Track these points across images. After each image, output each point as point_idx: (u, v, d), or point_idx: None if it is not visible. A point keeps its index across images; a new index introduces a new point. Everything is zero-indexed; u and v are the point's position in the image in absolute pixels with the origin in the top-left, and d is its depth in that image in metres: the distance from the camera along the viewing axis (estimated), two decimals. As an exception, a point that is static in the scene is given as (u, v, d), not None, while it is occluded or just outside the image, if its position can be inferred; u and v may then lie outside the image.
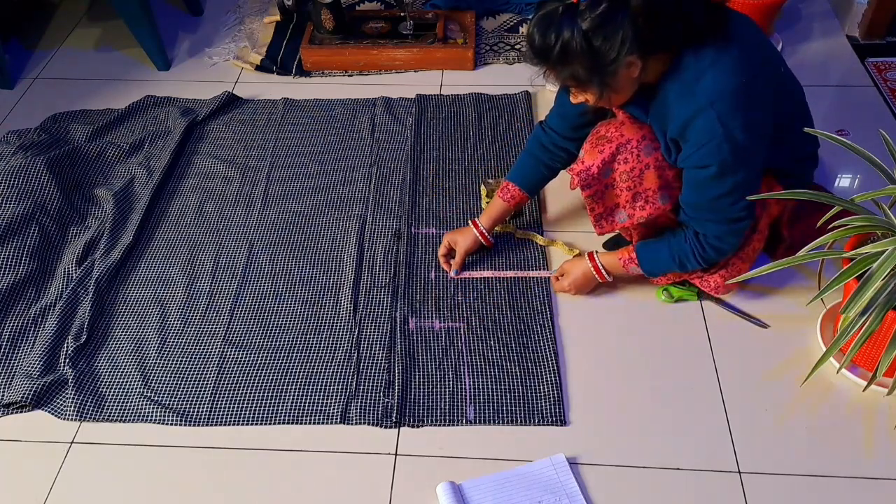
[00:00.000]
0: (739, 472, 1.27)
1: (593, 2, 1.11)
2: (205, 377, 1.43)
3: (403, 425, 1.35)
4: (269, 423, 1.36)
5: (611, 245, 1.63)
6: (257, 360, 1.46)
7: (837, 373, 1.38)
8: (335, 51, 2.21)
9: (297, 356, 1.47)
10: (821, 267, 1.41)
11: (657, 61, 1.20)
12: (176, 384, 1.42)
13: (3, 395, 1.41)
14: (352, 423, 1.36)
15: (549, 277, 1.58)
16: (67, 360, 1.44)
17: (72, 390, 1.40)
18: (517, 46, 2.30)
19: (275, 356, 1.47)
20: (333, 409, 1.37)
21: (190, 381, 1.43)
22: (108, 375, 1.44)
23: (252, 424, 1.36)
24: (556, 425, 1.34)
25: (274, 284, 1.61)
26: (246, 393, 1.41)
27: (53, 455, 1.33)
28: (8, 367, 1.46)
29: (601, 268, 1.48)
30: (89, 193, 1.82)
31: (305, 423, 1.36)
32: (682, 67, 1.20)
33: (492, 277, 1.59)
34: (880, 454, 1.28)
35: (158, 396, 1.40)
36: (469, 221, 1.61)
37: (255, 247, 1.69)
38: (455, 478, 1.26)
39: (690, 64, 1.19)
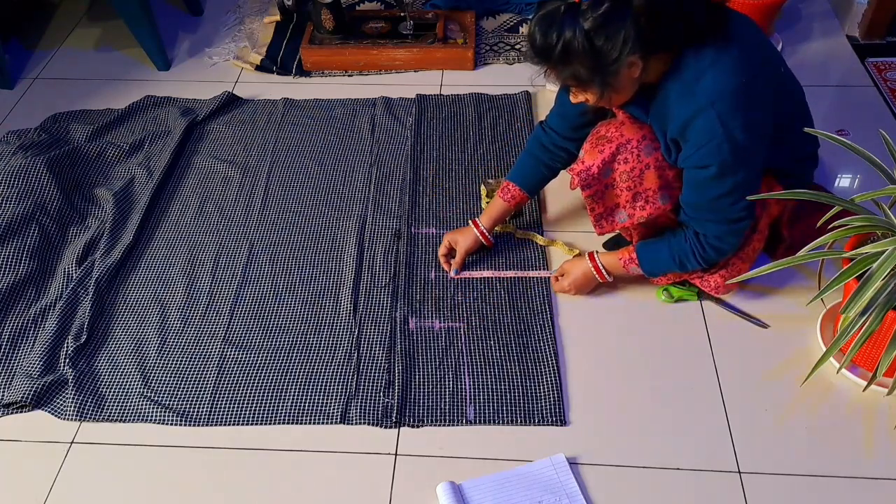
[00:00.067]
0: (739, 472, 1.27)
1: (595, 1, 1.11)
2: (205, 377, 1.43)
3: (403, 425, 1.35)
4: (269, 423, 1.37)
5: (611, 245, 1.63)
6: (257, 360, 1.46)
7: (837, 373, 1.38)
8: (335, 51, 2.21)
9: (297, 356, 1.47)
10: (821, 267, 1.41)
11: (658, 61, 1.20)
12: (176, 384, 1.42)
13: (3, 395, 1.41)
14: (352, 423, 1.36)
15: (549, 277, 1.58)
16: (67, 360, 1.44)
17: (72, 390, 1.40)
18: (517, 46, 2.30)
19: (275, 356, 1.47)
20: (333, 409, 1.37)
21: (190, 381, 1.43)
22: (108, 375, 1.44)
23: (252, 424, 1.36)
24: (556, 425, 1.34)
25: (274, 284, 1.61)
26: (246, 393, 1.41)
27: (53, 455, 1.33)
28: (8, 367, 1.46)
29: (601, 268, 1.48)
30: (89, 193, 1.82)
31: (305, 423, 1.36)
32: (683, 67, 1.20)
33: (492, 277, 1.59)
34: (880, 454, 1.28)
35: (158, 396, 1.40)
36: (469, 221, 1.61)
37: (255, 247, 1.69)
38: (455, 478, 1.26)
39: (691, 64, 1.19)
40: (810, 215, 1.40)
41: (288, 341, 1.49)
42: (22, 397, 1.38)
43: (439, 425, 1.35)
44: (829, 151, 1.56)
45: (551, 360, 1.43)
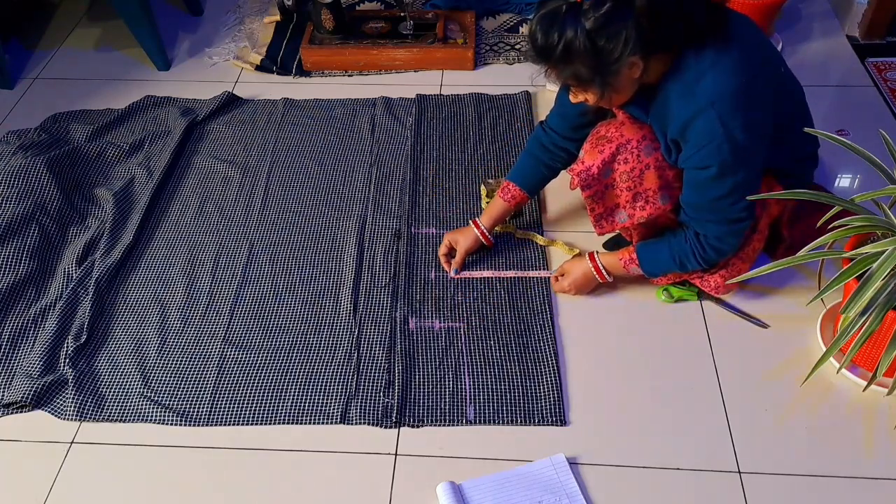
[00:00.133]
0: (739, 472, 1.27)
1: (597, 1, 1.10)
2: (205, 377, 1.43)
3: (403, 425, 1.35)
4: (269, 423, 1.37)
5: (611, 245, 1.63)
6: (257, 360, 1.46)
7: (837, 373, 1.38)
8: (335, 51, 2.21)
9: (297, 356, 1.47)
10: (821, 267, 1.41)
11: (658, 62, 1.20)
12: (176, 384, 1.42)
13: (3, 395, 1.41)
14: (352, 423, 1.36)
15: (549, 277, 1.58)
16: (67, 360, 1.44)
17: (72, 390, 1.40)
18: (517, 46, 2.30)
19: (275, 356, 1.47)
20: (333, 409, 1.37)
21: (190, 381, 1.43)
22: (108, 375, 1.44)
23: (252, 424, 1.36)
24: (556, 425, 1.34)
25: (274, 284, 1.61)
26: (246, 393, 1.41)
27: (53, 455, 1.33)
28: (8, 367, 1.46)
29: (602, 268, 1.48)
30: (89, 193, 1.82)
31: (305, 423, 1.36)
32: (683, 68, 1.20)
33: (492, 277, 1.59)
34: (880, 454, 1.28)
35: (158, 396, 1.40)
36: (470, 221, 1.61)
37: (255, 247, 1.69)
38: (455, 478, 1.26)
39: (691, 64, 1.19)
40: (810, 215, 1.40)
41: (288, 341, 1.49)
42: (22, 397, 1.38)
43: (439, 425, 1.35)
44: (829, 151, 1.56)
45: (551, 360, 1.43)
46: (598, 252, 1.51)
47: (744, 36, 1.22)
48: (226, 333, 1.51)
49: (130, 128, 2.03)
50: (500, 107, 2.06)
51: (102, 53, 2.37)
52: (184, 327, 1.52)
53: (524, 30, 2.37)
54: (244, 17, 2.49)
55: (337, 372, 1.43)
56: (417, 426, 1.35)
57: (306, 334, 1.51)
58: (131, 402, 1.40)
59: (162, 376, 1.44)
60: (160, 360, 1.47)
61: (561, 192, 1.74)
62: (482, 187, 1.77)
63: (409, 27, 2.23)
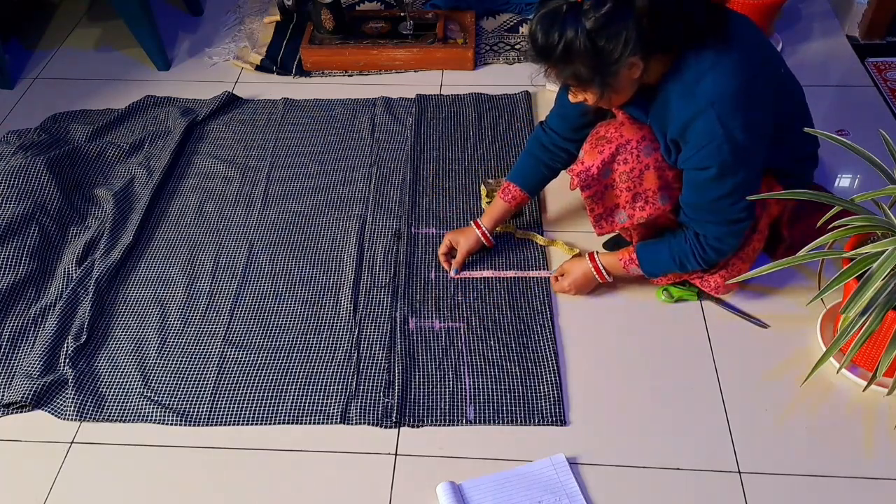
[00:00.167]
0: (739, 472, 1.27)
1: (598, 1, 1.10)
2: (205, 377, 1.43)
3: (403, 425, 1.35)
4: (269, 423, 1.36)
5: (611, 245, 1.63)
6: (257, 360, 1.46)
7: (837, 373, 1.38)
8: (335, 51, 2.21)
9: (297, 356, 1.47)
10: (821, 267, 1.41)
11: (658, 62, 1.20)
12: (176, 384, 1.42)
13: (3, 395, 1.41)
14: (352, 423, 1.36)
15: (549, 277, 1.58)
16: (67, 360, 1.44)
17: (72, 390, 1.40)
18: (517, 46, 2.30)
19: (275, 356, 1.47)
20: (333, 409, 1.37)
21: (190, 381, 1.43)
22: (108, 375, 1.44)
23: (252, 424, 1.36)
24: (556, 425, 1.34)
25: (274, 284, 1.61)
26: (246, 393, 1.41)
27: (53, 455, 1.33)
28: (8, 367, 1.46)
29: (601, 268, 1.48)
30: (89, 193, 1.82)
31: (305, 423, 1.36)
32: (683, 69, 1.20)
33: (492, 277, 1.59)
34: (880, 454, 1.28)
35: (158, 396, 1.40)
36: (471, 222, 1.61)
37: (255, 247, 1.69)
38: (455, 478, 1.26)
39: (691, 65, 1.19)
40: (810, 215, 1.40)
41: (288, 341, 1.49)
42: (22, 397, 1.38)
43: (439, 425, 1.35)
44: (829, 151, 1.56)
45: (551, 360, 1.43)
46: (598, 252, 1.51)
47: (744, 36, 1.22)
48: (226, 333, 1.51)
49: (130, 128, 2.03)
50: (500, 107, 2.06)
51: (102, 53, 2.37)
52: (184, 327, 1.52)
53: (524, 30, 2.37)
54: (244, 17, 2.49)
55: (337, 372, 1.43)
56: (417, 426, 1.35)
57: (306, 334, 1.51)
58: (131, 402, 1.40)
59: (162, 376, 1.44)
60: (160, 360, 1.47)
61: (561, 192, 1.74)
62: (482, 187, 1.77)
63: (409, 27, 2.23)
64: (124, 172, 1.87)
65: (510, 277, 1.59)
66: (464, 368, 1.43)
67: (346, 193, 1.81)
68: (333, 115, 2.05)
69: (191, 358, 1.47)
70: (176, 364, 1.46)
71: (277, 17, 2.43)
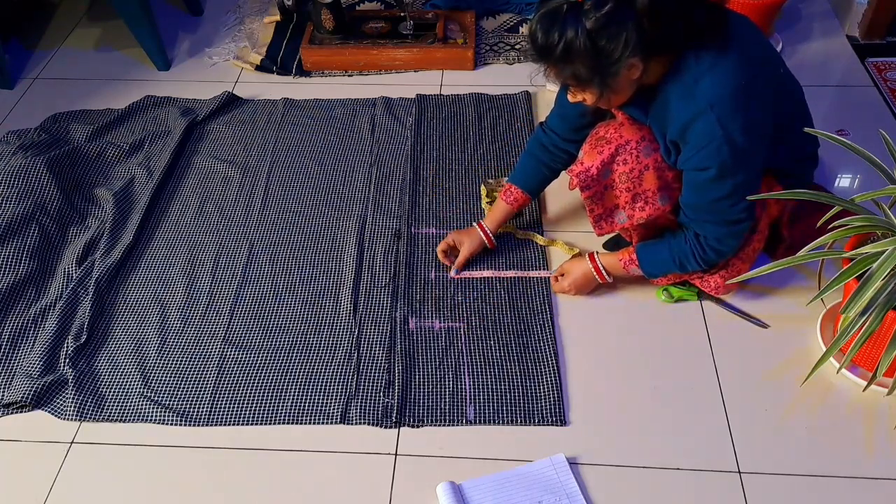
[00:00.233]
0: (739, 472, 1.27)
1: (598, 1, 1.10)
2: (205, 377, 1.43)
3: (403, 425, 1.35)
4: (269, 423, 1.36)
5: (611, 245, 1.63)
6: (257, 360, 1.46)
7: (837, 373, 1.38)
8: (335, 51, 2.21)
9: (297, 356, 1.47)
10: (821, 267, 1.41)
11: (657, 63, 1.20)
12: (176, 384, 1.42)
13: (3, 395, 1.41)
14: (352, 423, 1.36)
15: (549, 277, 1.58)
16: (67, 360, 1.44)
17: (72, 390, 1.40)
18: (517, 46, 2.30)
19: (275, 356, 1.47)
20: (333, 409, 1.37)
21: (190, 381, 1.43)
22: (108, 375, 1.44)
23: (252, 424, 1.36)
24: (556, 425, 1.34)
25: (274, 284, 1.61)
26: (246, 393, 1.41)
27: (53, 455, 1.33)
28: (8, 367, 1.46)
29: (601, 269, 1.48)
30: (89, 193, 1.82)
31: (305, 423, 1.36)
32: (683, 69, 1.20)
33: (492, 277, 1.59)
34: (880, 454, 1.28)
35: (158, 396, 1.40)
36: (474, 223, 1.61)
37: (255, 247, 1.69)
38: (455, 478, 1.26)
39: (691, 66, 1.19)
40: (810, 215, 1.40)
41: (288, 341, 1.49)
42: (22, 397, 1.38)
43: (439, 425, 1.35)
44: (829, 151, 1.56)
45: (551, 360, 1.43)
46: (598, 252, 1.51)
47: (743, 36, 1.22)
48: (226, 333, 1.51)
49: (130, 128, 2.03)
50: (500, 107, 2.06)
51: (102, 53, 2.37)
52: (184, 327, 1.52)
53: (524, 30, 2.36)
54: (244, 17, 2.49)
55: (337, 372, 1.43)
56: (417, 426, 1.35)
57: (306, 334, 1.51)
58: (131, 402, 1.40)
59: (162, 376, 1.44)
60: (160, 360, 1.47)
61: (561, 192, 1.74)
62: (482, 187, 1.77)
63: (409, 27, 2.23)
64: (124, 172, 1.87)
65: (510, 277, 1.59)
66: (464, 368, 1.43)
67: (346, 193, 1.81)
68: (333, 115, 2.05)
69: (191, 358, 1.47)
70: (176, 364, 1.46)
71: (277, 17, 2.43)
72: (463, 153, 1.91)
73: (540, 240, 1.66)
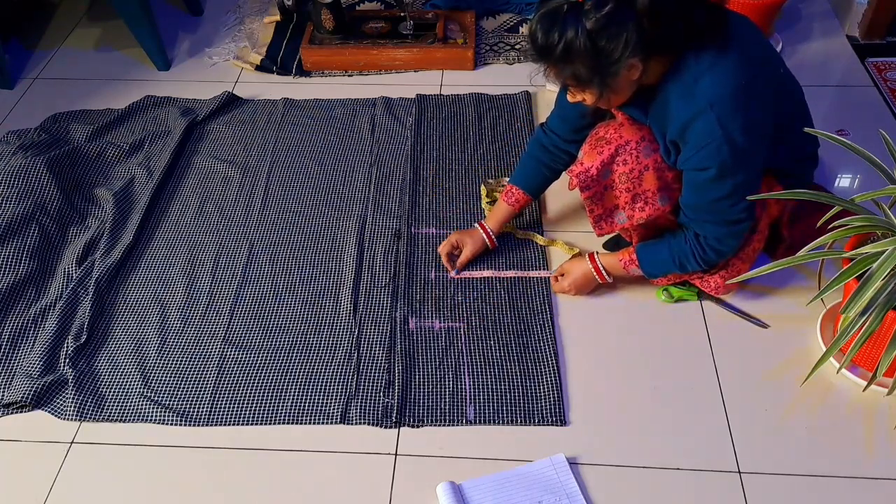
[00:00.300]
0: (739, 472, 1.27)
1: (599, 1, 1.10)
2: (205, 377, 1.43)
3: (403, 425, 1.35)
4: (269, 423, 1.36)
5: (611, 245, 1.63)
6: (257, 360, 1.46)
7: (837, 373, 1.38)
8: (335, 51, 2.21)
9: (297, 356, 1.47)
10: (821, 267, 1.41)
11: (657, 63, 1.20)
12: (176, 384, 1.42)
13: (3, 395, 1.41)
14: (352, 423, 1.36)
15: (549, 277, 1.58)
16: (67, 360, 1.44)
17: (72, 390, 1.40)
18: (517, 46, 2.30)
19: (275, 356, 1.47)
20: (333, 409, 1.37)
21: (190, 381, 1.43)
22: (108, 375, 1.44)
23: (252, 424, 1.36)
24: (556, 425, 1.34)
25: (274, 284, 1.61)
26: (246, 393, 1.41)
27: (53, 455, 1.33)
28: (8, 367, 1.46)
29: (601, 269, 1.48)
30: (89, 193, 1.82)
31: (305, 423, 1.36)
32: (682, 69, 1.19)
33: (492, 277, 1.59)
34: (880, 454, 1.28)
35: (158, 396, 1.40)
36: (475, 223, 1.61)
37: (255, 247, 1.69)
38: (455, 478, 1.26)
39: (690, 66, 1.19)
40: (810, 215, 1.40)
41: (288, 341, 1.49)
42: (22, 397, 1.38)
43: (439, 425, 1.35)
44: (829, 151, 1.56)
45: (551, 360, 1.43)
46: (598, 252, 1.51)
47: (743, 36, 1.21)
48: (226, 333, 1.51)
49: (130, 128, 2.03)
50: (500, 107, 2.06)
51: (102, 53, 2.37)
52: (184, 327, 1.52)
53: (524, 30, 2.36)
54: (244, 17, 2.49)
55: (337, 372, 1.43)
56: (417, 426, 1.35)
57: (306, 334, 1.51)
58: (131, 402, 1.40)
59: (162, 376, 1.44)
60: (160, 360, 1.47)
61: (561, 192, 1.74)
62: (482, 187, 1.77)
63: (409, 27, 2.23)
64: (124, 172, 1.87)
65: (510, 277, 1.59)
66: (464, 368, 1.43)
67: (346, 193, 1.81)
68: (333, 115, 2.05)
69: (191, 358, 1.47)
70: (176, 364, 1.46)
71: (277, 17, 2.43)
72: (463, 153, 1.91)
73: (540, 240, 1.66)
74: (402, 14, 2.26)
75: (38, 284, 1.61)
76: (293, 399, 1.39)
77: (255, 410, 1.38)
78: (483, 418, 1.35)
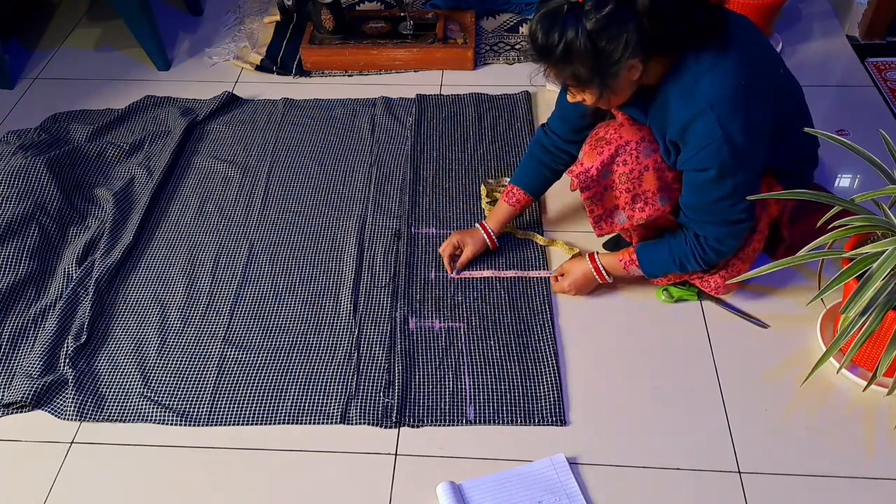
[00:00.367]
0: (739, 472, 1.27)
1: (599, 2, 1.10)
2: (205, 377, 1.43)
3: (403, 425, 1.35)
4: (269, 423, 1.36)
5: (611, 245, 1.63)
6: (257, 360, 1.46)
7: (837, 373, 1.38)
8: (335, 51, 2.21)
9: (297, 356, 1.47)
10: (821, 267, 1.41)
11: (657, 63, 1.20)
12: (176, 384, 1.42)
13: (3, 395, 1.41)
14: (352, 423, 1.36)
15: (549, 277, 1.58)
16: (67, 360, 1.44)
17: (72, 390, 1.40)
18: (517, 46, 2.30)
19: (275, 356, 1.47)
20: (333, 409, 1.38)
21: (190, 381, 1.43)
22: (108, 375, 1.44)
23: (252, 424, 1.36)
24: (556, 425, 1.34)
25: (274, 284, 1.61)
26: (246, 393, 1.41)
27: (53, 455, 1.33)
28: (8, 367, 1.46)
29: (601, 269, 1.48)
30: (89, 193, 1.82)
31: (305, 423, 1.36)
32: (682, 69, 1.19)
33: (492, 277, 1.59)
34: (880, 454, 1.28)
35: (158, 396, 1.40)
36: (477, 224, 1.61)
37: (255, 247, 1.69)
38: (455, 478, 1.26)
39: (690, 66, 1.19)
40: (810, 215, 1.40)
41: (288, 341, 1.49)
42: (22, 397, 1.38)
43: (439, 425, 1.35)
44: (829, 151, 1.56)
45: (551, 360, 1.43)
46: (598, 253, 1.51)
47: (743, 37, 1.21)
48: (226, 333, 1.51)
49: (130, 128, 2.03)
50: (500, 107, 2.06)
51: (102, 53, 2.37)
52: (184, 327, 1.52)
53: (524, 30, 2.36)
54: (244, 17, 2.49)
55: (337, 372, 1.43)
56: (417, 426, 1.35)
57: (306, 334, 1.51)
58: (131, 402, 1.40)
59: (162, 376, 1.44)
60: (160, 360, 1.47)
61: (561, 192, 1.74)
62: (482, 187, 1.77)
63: (409, 27, 2.23)
64: (124, 172, 1.87)
65: (510, 277, 1.59)
66: (464, 368, 1.43)
67: (346, 193, 1.81)
68: (333, 115, 2.05)
69: (191, 358, 1.47)
70: (176, 364, 1.46)
71: (277, 17, 2.43)
72: (463, 153, 1.91)
73: (540, 240, 1.66)
74: (402, 14, 2.26)
75: (38, 284, 1.61)
76: (293, 399, 1.39)
77: (255, 410, 1.38)
78: (483, 418, 1.35)
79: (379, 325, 1.51)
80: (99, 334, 1.51)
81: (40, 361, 1.44)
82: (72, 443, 1.35)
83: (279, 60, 2.27)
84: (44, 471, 1.31)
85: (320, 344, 1.49)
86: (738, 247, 1.37)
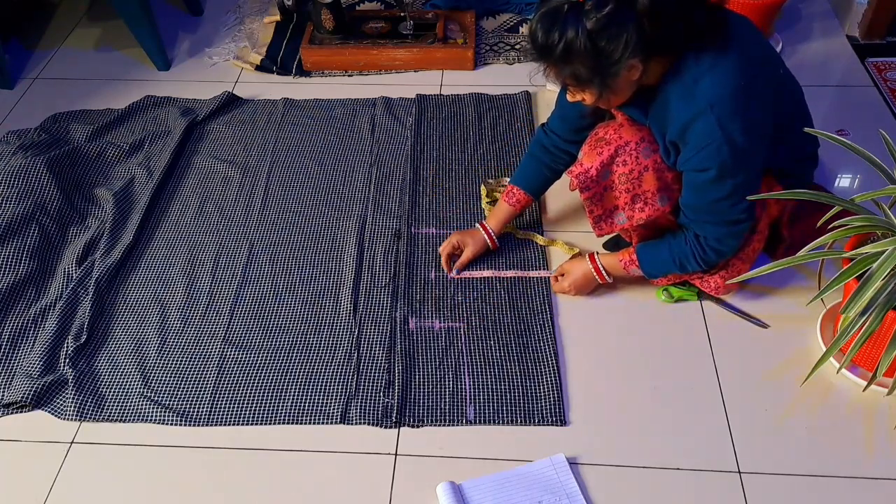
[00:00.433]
0: (739, 472, 1.27)
1: (599, 1, 1.10)
2: (205, 377, 1.43)
3: (403, 425, 1.35)
4: (269, 423, 1.36)
5: (611, 245, 1.63)
6: (257, 360, 1.46)
7: (837, 373, 1.38)
8: (335, 51, 2.21)
9: (297, 356, 1.47)
10: (821, 267, 1.41)
11: (657, 63, 1.20)
12: (176, 384, 1.42)
13: (3, 395, 1.41)
14: (352, 423, 1.36)
15: (549, 277, 1.58)
16: (67, 360, 1.44)
17: (72, 390, 1.40)
18: (517, 46, 2.30)
19: (275, 356, 1.47)
20: (333, 409, 1.38)
21: (190, 381, 1.43)
22: (108, 375, 1.44)
23: (252, 424, 1.36)
24: (556, 425, 1.34)
25: (274, 284, 1.61)
26: (246, 393, 1.41)
27: (53, 455, 1.33)
28: (8, 367, 1.46)
29: (601, 269, 1.48)
30: (89, 193, 1.82)
31: (305, 423, 1.36)
32: (682, 70, 1.19)
33: (492, 277, 1.59)
34: (880, 454, 1.28)
35: (158, 396, 1.40)
36: (477, 224, 1.61)
37: (255, 247, 1.69)
38: (455, 478, 1.26)
39: (690, 66, 1.19)
40: (810, 215, 1.40)
41: (288, 341, 1.49)
42: (22, 397, 1.38)
43: (439, 425, 1.35)
44: (829, 151, 1.55)
45: (551, 360, 1.43)
46: (598, 253, 1.51)
47: (743, 37, 1.21)
48: (226, 333, 1.51)
49: (130, 128, 2.03)
50: (500, 107, 2.06)
51: (102, 53, 2.37)
52: (184, 327, 1.52)
53: (524, 30, 2.37)
54: (244, 17, 2.49)
55: (337, 372, 1.43)
56: (417, 426, 1.35)
57: (306, 334, 1.51)
58: (131, 402, 1.40)
59: (162, 376, 1.44)
60: (160, 360, 1.47)
61: (561, 192, 1.74)
62: (482, 187, 1.77)
63: (409, 27, 2.23)
64: (124, 172, 1.87)
65: (510, 277, 1.59)
66: (464, 368, 1.43)
67: (346, 193, 1.81)
68: (333, 115, 2.05)
69: (191, 358, 1.47)
70: (176, 364, 1.46)
71: (277, 17, 2.43)
72: (463, 153, 1.91)
73: (540, 240, 1.66)
74: (402, 14, 2.26)
75: (38, 284, 1.61)
76: (293, 399, 1.39)
77: (255, 410, 1.38)
78: (483, 418, 1.35)
79: (379, 325, 1.51)
80: (99, 334, 1.51)
81: (40, 361, 1.44)
82: (72, 443, 1.35)
83: (279, 60, 2.27)
84: (44, 471, 1.31)
85: (320, 344, 1.49)
86: (738, 247, 1.37)
